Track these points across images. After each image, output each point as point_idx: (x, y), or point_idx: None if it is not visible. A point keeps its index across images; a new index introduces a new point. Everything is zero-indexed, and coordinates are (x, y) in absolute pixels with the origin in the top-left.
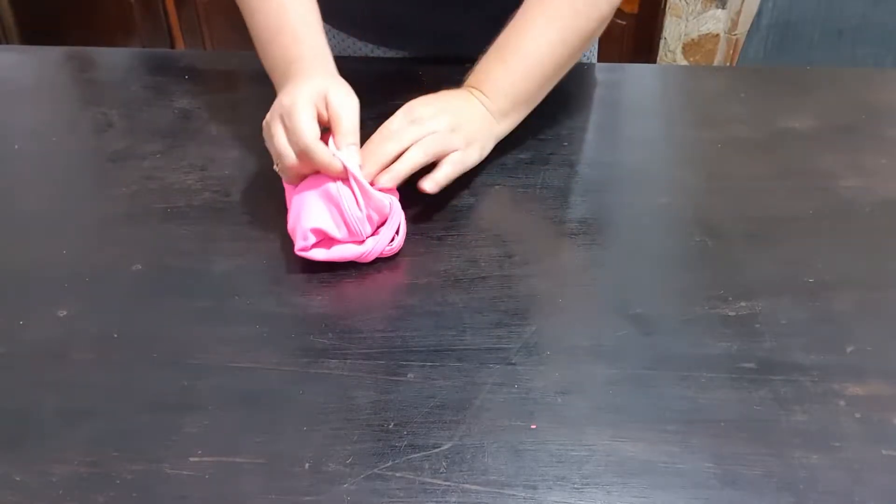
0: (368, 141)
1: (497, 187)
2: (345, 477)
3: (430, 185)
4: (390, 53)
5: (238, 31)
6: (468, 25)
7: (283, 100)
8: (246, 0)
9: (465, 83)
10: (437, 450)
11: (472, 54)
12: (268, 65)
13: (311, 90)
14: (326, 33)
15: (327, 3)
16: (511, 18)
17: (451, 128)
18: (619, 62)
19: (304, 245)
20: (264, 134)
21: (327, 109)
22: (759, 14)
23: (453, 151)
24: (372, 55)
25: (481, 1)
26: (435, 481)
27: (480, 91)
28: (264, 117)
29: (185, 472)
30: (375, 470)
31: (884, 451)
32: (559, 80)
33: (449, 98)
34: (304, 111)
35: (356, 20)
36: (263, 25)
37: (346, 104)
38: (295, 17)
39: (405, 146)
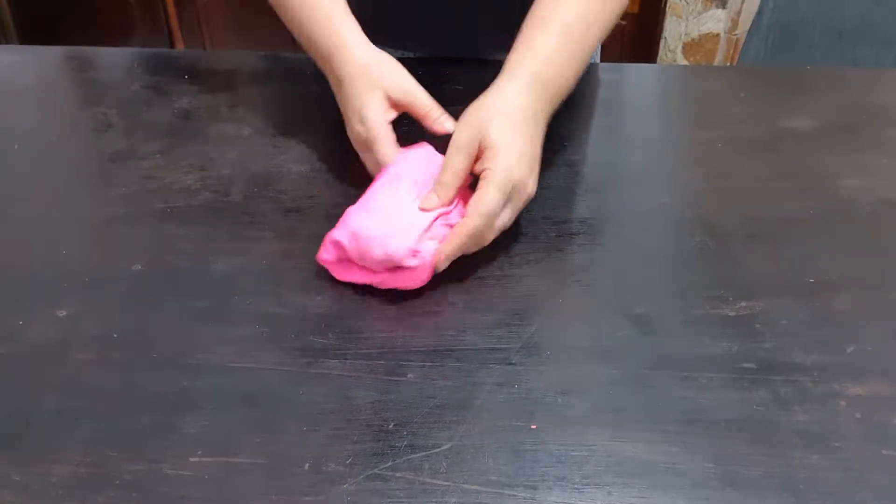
0: (468, 220)
1: None
2: (345, 477)
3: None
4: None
5: (238, 32)
6: (475, 27)
7: (357, 127)
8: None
9: (519, 58)
10: (437, 450)
11: (478, 55)
12: (306, 45)
13: (378, 109)
14: None
15: None
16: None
17: (534, 164)
18: (620, 62)
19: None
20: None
21: (398, 105)
22: (759, 14)
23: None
24: None
25: (487, 2)
26: (435, 481)
27: (538, 78)
28: (265, 117)
29: (185, 472)
30: (375, 470)
31: (884, 451)
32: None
33: (523, 114)
34: (385, 141)
35: (362, 21)
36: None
37: (411, 92)
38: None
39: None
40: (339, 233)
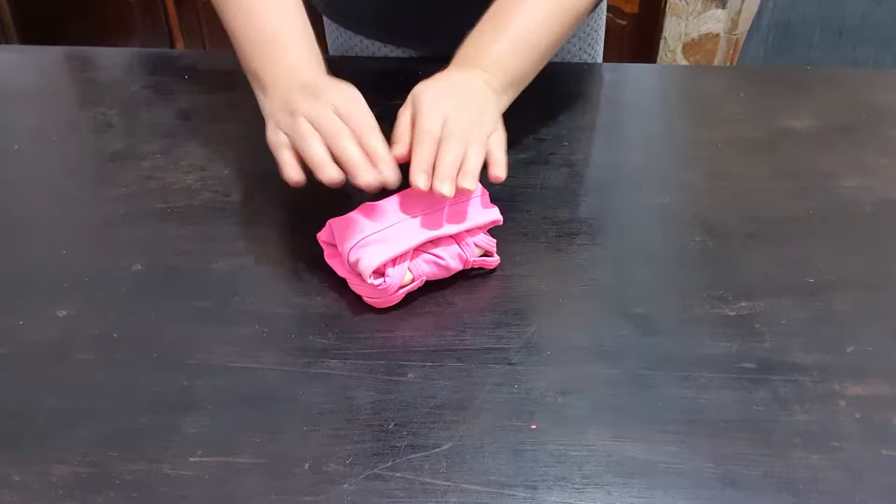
0: (416, 147)
1: (497, 187)
2: (345, 477)
3: (501, 171)
4: (396, 52)
5: None
6: (474, 25)
7: (334, 96)
8: (230, 7)
9: (460, 56)
10: (437, 450)
11: None
12: (262, 66)
13: (356, 92)
14: (333, 31)
15: (334, 1)
16: None
17: (480, 113)
18: (620, 62)
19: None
20: (285, 139)
21: None
22: (759, 14)
23: (492, 135)
24: (377, 54)
25: (487, 2)
26: (435, 481)
27: (478, 67)
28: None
29: (185, 472)
30: (375, 470)
31: (884, 451)
32: (549, 59)
33: (457, 82)
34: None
35: (363, 19)
36: (259, 28)
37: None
38: (293, 23)
39: (462, 144)
40: (338, 219)
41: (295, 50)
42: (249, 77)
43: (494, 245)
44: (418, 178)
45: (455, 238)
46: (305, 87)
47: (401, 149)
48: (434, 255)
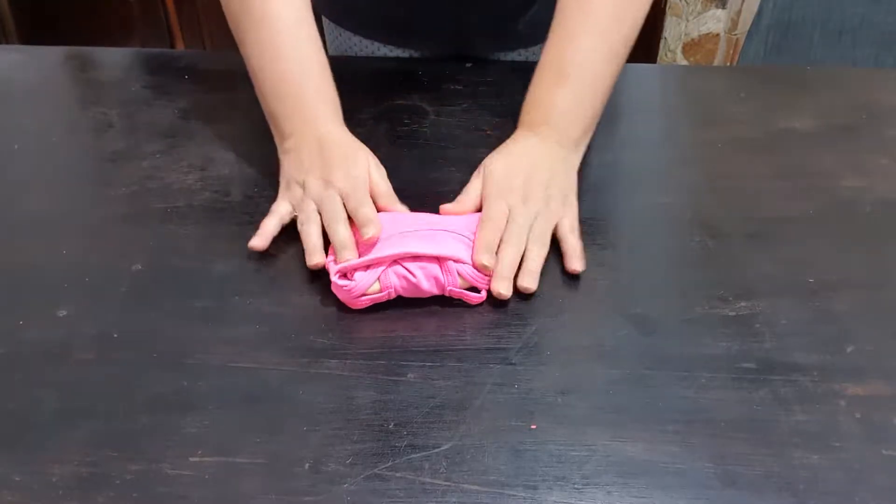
0: (480, 232)
1: None
2: (345, 477)
3: (577, 263)
4: (395, 52)
5: None
6: (474, 25)
7: (342, 183)
8: (251, 40)
9: (527, 118)
10: (437, 450)
11: (477, 53)
12: (282, 112)
13: (364, 171)
14: (332, 31)
15: (333, 1)
16: (550, 32)
17: (546, 198)
18: None
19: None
20: (284, 211)
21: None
22: (759, 14)
23: (561, 220)
24: (377, 53)
25: (487, 2)
26: (435, 481)
27: (548, 125)
28: (265, 117)
29: (185, 472)
30: (375, 470)
31: (884, 451)
32: (611, 91)
33: (526, 151)
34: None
35: (362, 19)
36: (281, 75)
37: (382, 177)
38: (314, 72)
39: (521, 244)
40: None
41: (313, 102)
42: (266, 114)
43: (486, 283)
44: (481, 257)
45: (439, 261)
46: (320, 144)
47: (458, 207)
48: (406, 269)
